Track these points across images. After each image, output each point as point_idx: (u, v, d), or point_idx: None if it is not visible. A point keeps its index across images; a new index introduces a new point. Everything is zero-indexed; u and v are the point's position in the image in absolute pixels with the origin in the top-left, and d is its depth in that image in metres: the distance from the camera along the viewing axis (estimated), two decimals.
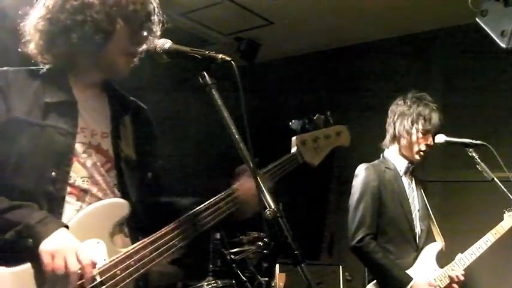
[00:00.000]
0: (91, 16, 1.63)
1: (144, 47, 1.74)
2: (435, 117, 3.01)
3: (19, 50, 1.74)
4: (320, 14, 5.01)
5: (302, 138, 1.96)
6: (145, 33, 1.72)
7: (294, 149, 1.95)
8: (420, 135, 2.99)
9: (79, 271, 1.44)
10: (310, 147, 1.97)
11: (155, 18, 1.77)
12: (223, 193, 1.75)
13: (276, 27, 5.38)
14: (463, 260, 3.01)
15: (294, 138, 1.96)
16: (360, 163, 3.13)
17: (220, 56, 1.53)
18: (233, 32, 5.57)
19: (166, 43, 1.64)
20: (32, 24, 1.69)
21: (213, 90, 1.54)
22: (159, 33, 1.79)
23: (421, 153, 3.01)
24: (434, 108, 3.04)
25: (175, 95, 5.27)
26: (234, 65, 1.47)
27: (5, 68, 1.67)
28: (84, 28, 1.63)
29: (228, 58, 1.52)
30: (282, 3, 4.88)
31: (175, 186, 2.00)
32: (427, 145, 3.01)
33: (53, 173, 1.57)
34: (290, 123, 1.98)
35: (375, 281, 2.96)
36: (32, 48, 1.71)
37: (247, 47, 5.66)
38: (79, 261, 1.45)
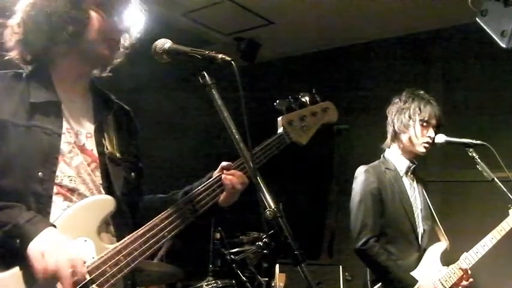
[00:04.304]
0: (60, 6, 1.65)
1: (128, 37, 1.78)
2: (432, 108, 3.02)
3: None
4: (320, 14, 5.01)
5: (288, 118, 1.92)
6: (121, 16, 1.73)
7: (280, 130, 1.91)
8: (419, 127, 2.99)
9: (70, 269, 1.43)
10: (297, 127, 1.93)
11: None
12: (209, 180, 1.75)
13: (276, 27, 5.38)
14: (469, 258, 2.98)
15: (279, 118, 1.92)
16: (360, 163, 3.12)
17: (220, 56, 1.53)
18: (233, 32, 5.57)
19: (166, 43, 1.64)
20: (11, 25, 1.71)
21: (213, 90, 1.54)
22: (139, 18, 1.81)
23: (424, 145, 3.00)
24: (431, 101, 3.05)
25: (175, 95, 5.27)
26: (234, 65, 1.47)
27: None
28: (55, 19, 1.65)
29: (228, 58, 1.52)
30: (282, 3, 4.88)
31: (175, 185, 2.00)
32: (428, 137, 3.00)
33: (40, 173, 1.57)
34: (275, 104, 1.93)
35: (379, 283, 2.95)
36: (13, 49, 1.72)
37: (247, 47, 5.67)
38: (69, 259, 1.43)
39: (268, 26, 5.37)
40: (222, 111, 1.51)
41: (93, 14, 1.68)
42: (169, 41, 1.65)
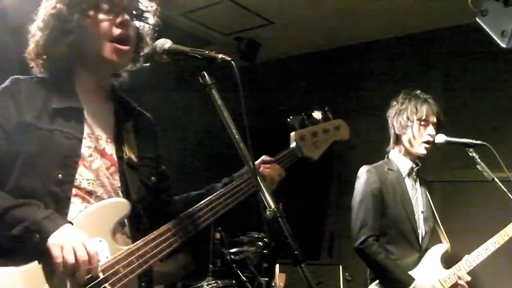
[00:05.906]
0: (63, 18, 1.69)
1: (147, 43, 1.80)
2: (428, 106, 3.05)
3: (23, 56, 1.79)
4: (320, 14, 5.01)
5: (300, 134, 2.02)
6: (122, 13, 1.72)
7: (292, 144, 2.01)
8: (417, 127, 3.01)
9: (87, 263, 1.48)
10: (309, 142, 2.03)
11: None
12: (222, 190, 1.80)
13: (276, 27, 5.38)
14: (470, 261, 2.99)
15: (292, 133, 2.02)
16: (360, 163, 3.13)
17: (220, 56, 1.54)
18: (233, 32, 5.57)
19: (166, 43, 1.65)
20: (31, 48, 1.76)
21: (213, 90, 1.55)
22: (148, 16, 1.82)
23: (425, 145, 3.01)
24: (428, 99, 3.08)
25: (175, 95, 5.27)
26: (234, 65, 1.48)
27: (16, 76, 1.73)
28: (57, 28, 1.70)
29: (228, 58, 1.52)
30: (282, 3, 4.88)
31: (175, 186, 2.01)
32: (428, 135, 3.01)
33: (59, 175, 1.61)
34: (288, 120, 2.03)
35: (377, 281, 2.96)
36: (38, 67, 1.78)
37: (247, 47, 5.66)
38: (87, 253, 1.48)
39: (268, 26, 5.37)
40: (222, 111, 1.51)
41: (89, 20, 1.69)
42: (169, 41, 1.66)
